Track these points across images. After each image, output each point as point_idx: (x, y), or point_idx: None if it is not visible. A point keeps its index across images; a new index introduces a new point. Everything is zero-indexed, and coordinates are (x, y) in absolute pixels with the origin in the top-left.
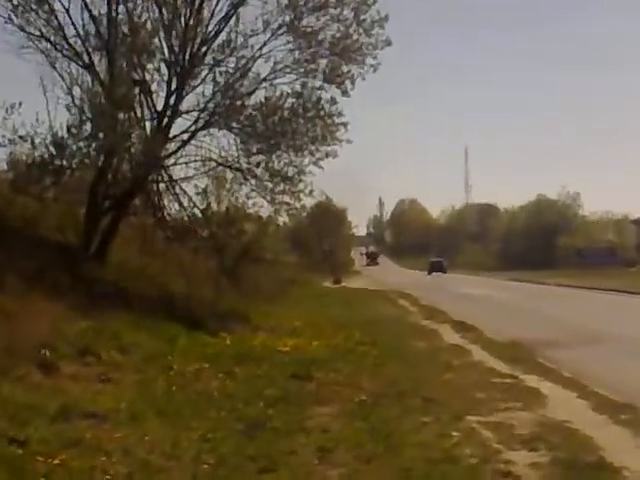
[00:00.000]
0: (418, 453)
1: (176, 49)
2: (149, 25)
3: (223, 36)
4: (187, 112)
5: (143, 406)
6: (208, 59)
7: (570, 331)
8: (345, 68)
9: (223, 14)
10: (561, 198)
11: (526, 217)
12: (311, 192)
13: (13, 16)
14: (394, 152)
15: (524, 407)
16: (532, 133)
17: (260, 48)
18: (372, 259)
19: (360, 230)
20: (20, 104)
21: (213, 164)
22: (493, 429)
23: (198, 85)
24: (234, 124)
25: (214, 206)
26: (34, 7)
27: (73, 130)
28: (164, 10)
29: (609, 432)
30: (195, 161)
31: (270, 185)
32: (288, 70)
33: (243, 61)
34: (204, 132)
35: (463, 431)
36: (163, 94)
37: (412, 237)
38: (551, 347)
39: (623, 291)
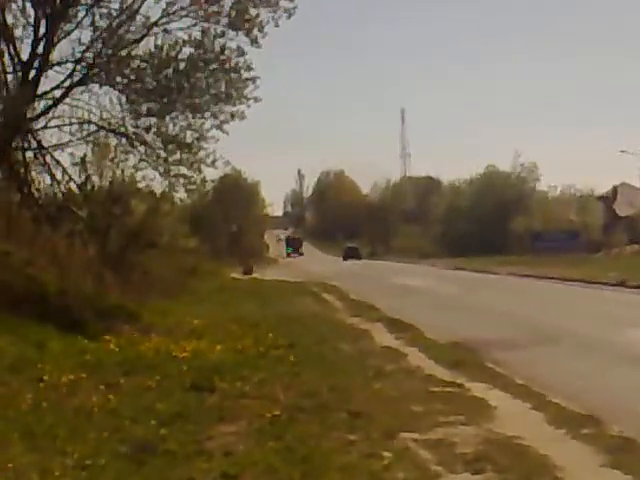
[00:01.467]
0: (342, 478)
1: None
2: None
3: None
4: (59, 64)
5: (5, 427)
6: None
7: (523, 329)
8: (254, 11)
9: None
10: (515, 170)
11: (473, 193)
12: (214, 162)
13: None
14: (315, 114)
15: (468, 421)
16: (482, 91)
17: None
18: (295, 247)
19: (276, 209)
20: None
21: (93, 128)
22: (431, 448)
23: (73, 30)
24: (118, 79)
25: (95, 180)
26: None
27: None
28: None
29: (568, 449)
30: (70, 124)
31: (163, 154)
32: (184, 13)
33: (129, 0)
34: (81, 88)
35: (396, 451)
36: (29, 41)
37: (338, 218)
38: (501, 348)
39: (586, 281)
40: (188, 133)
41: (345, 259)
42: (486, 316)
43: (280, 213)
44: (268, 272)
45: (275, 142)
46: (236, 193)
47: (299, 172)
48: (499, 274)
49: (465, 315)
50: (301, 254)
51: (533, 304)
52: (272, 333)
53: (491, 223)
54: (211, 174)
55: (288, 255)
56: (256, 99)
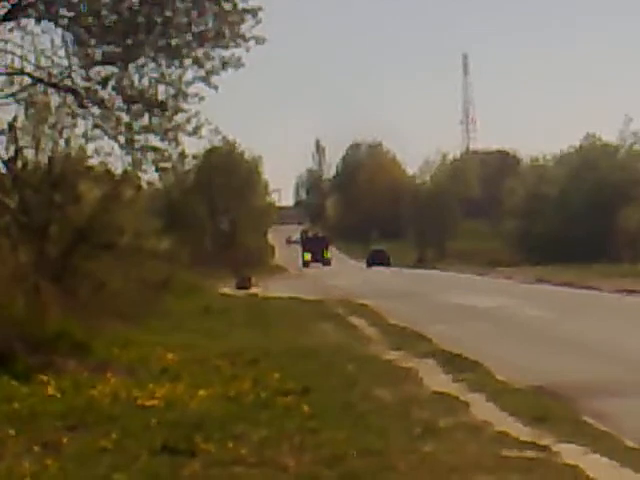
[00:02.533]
0: None
1: None
2: None
3: None
4: None
5: None
6: None
7: (637, 370)
8: None
9: None
10: (624, 142)
11: (565, 175)
12: (197, 130)
13: None
14: (341, 68)
15: None
16: (563, 42)
17: None
18: (317, 251)
19: (285, 198)
20: None
21: (27, 80)
22: None
23: None
24: (63, 10)
25: (28, 155)
26: None
27: None
28: None
29: None
30: None
31: (126, 117)
32: None
33: None
34: (9, 25)
35: None
36: None
37: (373, 209)
38: (604, 396)
39: None
40: (161, 88)
41: (369, 265)
42: (583, 351)
43: (291, 203)
44: (274, 286)
45: (286, 104)
46: (228, 174)
47: (318, 144)
48: (602, 290)
49: (553, 348)
50: (327, 263)
51: None
52: (278, 373)
53: (590, 217)
54: (194, 147)
55: (306, 264)
56: (258, 40)
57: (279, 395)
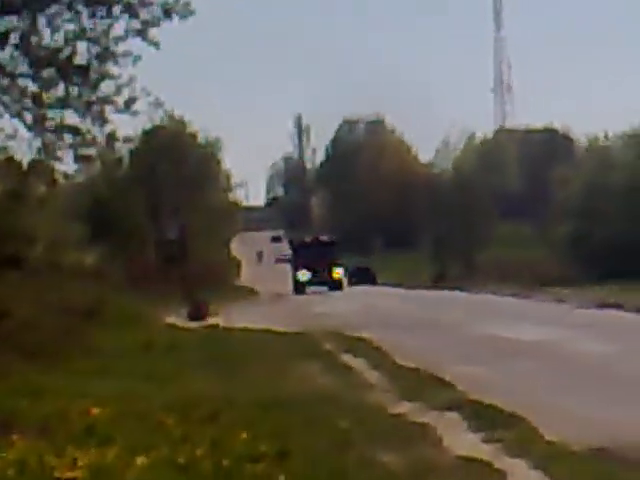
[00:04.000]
0: None
1: None
2: None
3: None
4: None
5: None
6: None
7: None
8: None
9: None
10: None
11: (637, 160)
12: (132, 103)
13: None
14: (330, 25)
15: None
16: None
17: None
18: (313, 267)
19: (254, 196)
20: None
21: None
22: None
23: None
24: None
25: None
26: None
27: None
28: None
29: None
30: None
31: (33, 87)
32: None
33: None
34: None
35: None
36: None
37: (375, 208)
38: None
39: None
40: (81, 47)
41: (350, 283)
42: None
43: (262, 202)
44: (240, 315)
45: (255, 70)
46: (176, 163)
47: (299, 122)
48: None
49: (620, 397)
50: (337, 286)
51: None
52: (246, 432)
53: None
54: (127, 126)
55: (301, 288)
56: None
57: (247, 462)
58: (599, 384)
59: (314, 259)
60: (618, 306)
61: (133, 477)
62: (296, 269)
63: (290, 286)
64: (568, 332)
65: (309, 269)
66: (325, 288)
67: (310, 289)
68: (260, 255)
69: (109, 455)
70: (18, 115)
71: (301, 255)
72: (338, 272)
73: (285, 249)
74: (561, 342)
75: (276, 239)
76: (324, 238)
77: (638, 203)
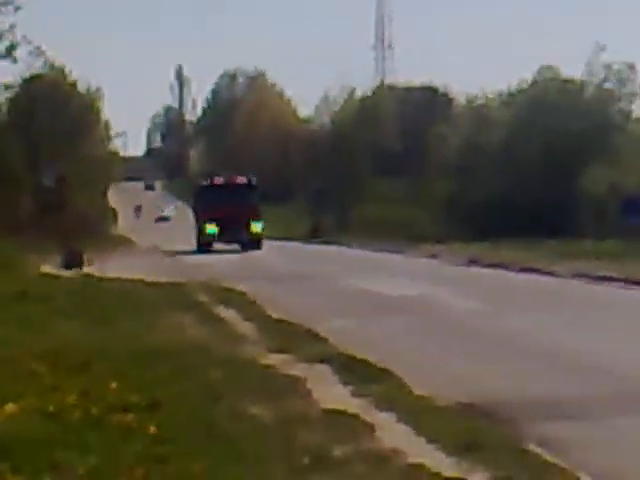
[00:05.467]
0: None
1: None
2: None
3: None
4: None
5: None
6: None
7: (597, 381)
8: None
9: None
10: (592, 78)
11: (512, 120)
12: (11, 50)
13: None
14: None
15: None
16: None
17: None
18: (224, 219)
19: (133, 146)
20: None
21: None
22: None
23: None
24: None
25: None
26: None
27: None
28: None
29: None
30: None
31: None
32: None
33: None
34: None
35: None
36: None
37: (253, 162)
38: (555, 415)
39: None
40: None
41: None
42: (526, 356)
43: (141, 152)
44: (115, 265)
45: (135, 19)
46: (55, 112)
47: (179, 74)
48: (556, 275)
49: (487, 353)
50: (255, 244)
51: (622, 339)
52: (116, 381)
53: (544, 178)
54: (6, 74)
55: (206, 244)
56: None
57: (117, 411)
58: (468, 340)
59: (225, 207)
60: (486, 263)
61: (1, 424)
62: (198, 220)
63: (194, 240)
64: (438, 288)
65: (217, 221)
66: (237, 245)
67: (218, 246)
68: (138, 210)
69: None
70: None
71: (207, 201)
72: (257, 226)
73: (160, 200)
74: (430, 297)
75: (149, 187)
76: (241, 179)
77: (513, 163)
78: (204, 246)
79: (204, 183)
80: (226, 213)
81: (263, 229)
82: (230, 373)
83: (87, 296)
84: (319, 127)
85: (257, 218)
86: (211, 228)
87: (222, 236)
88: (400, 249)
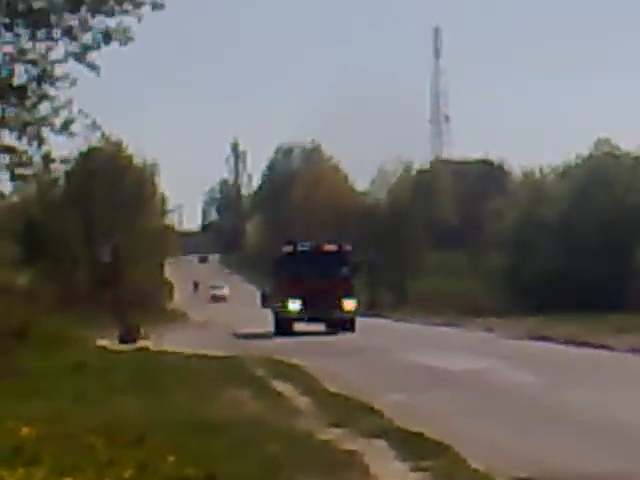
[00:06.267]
0: None
1: None
2: None
3: None
4: None
5: None
6: None
7: None
8: None
9: None
10: None
11: (570, 193)
12: (69, 125)
13: None
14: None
15: None
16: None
17: None
18: (312, 293)
19: (189, 219)
20: None
21: None
22: None
23: None
24: None
25: None
26: None
27: None
28: None
29: None
30: None
31: None
32: None
33: None
34: None
35: None
36: None
37: (309, 234)
38: None
39: None
40: (19, 68)
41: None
42: (584, 430)
43: (196, 226)
44: (171, 338)
45: (191, 92)
46: (112, 185)
47: (235, 147)
48: (615, 349)
49: (545, 427)
50: (347, 324)
51: None
52: (173, 455)
53: (602, 251)
54: (63, 148)
55: (286, 325)
56: (155, 4)
57: None
58: (524, 414)
59: (312, 279)
60: (544, 337)
61: None
62: (278, 294)
63: (271, 319)
64: (496, 362)
65: (302, 296)
66: (323, 326)
67: (298, 326)
68: (196, 286)
69: (36, 476)
70: None
71: (290, 272)
72: (350, 304)
73: (214, 273)
74: (488, 372)
75: (203, 260)
76: (330, 246)
77: (569, 236)
78: (284, 327)
79: (286, 249)
80: (313, 286)
81: (358, 308)
82: (287, 447)
83: (143, 370)
84: (376, 201)
85: (350, 293)
86: (294, 304)
87: (307, 314)
88: (457, 322)
